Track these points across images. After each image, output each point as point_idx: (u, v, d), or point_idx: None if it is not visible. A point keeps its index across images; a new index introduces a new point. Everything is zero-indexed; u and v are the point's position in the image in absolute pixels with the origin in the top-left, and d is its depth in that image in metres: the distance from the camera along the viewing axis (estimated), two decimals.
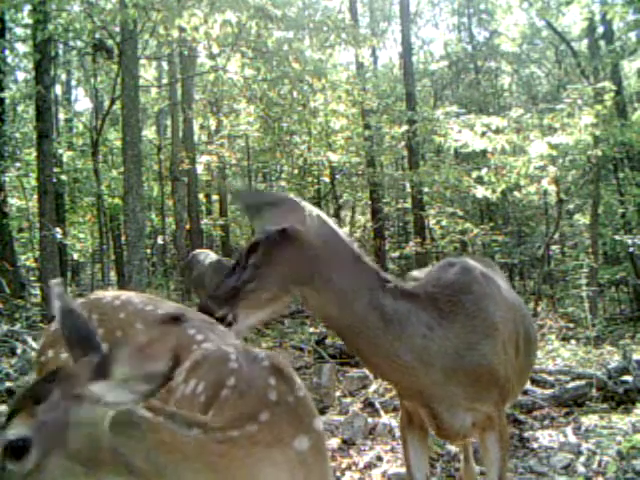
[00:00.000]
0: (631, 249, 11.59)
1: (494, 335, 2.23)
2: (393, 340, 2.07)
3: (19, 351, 6.17)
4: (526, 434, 4.46)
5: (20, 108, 15.05)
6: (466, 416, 2.23)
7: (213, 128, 16.56)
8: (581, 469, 3.77)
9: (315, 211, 2.11)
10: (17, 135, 13.15)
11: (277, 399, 1.65)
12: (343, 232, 2.20)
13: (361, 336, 2.09)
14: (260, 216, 2.09)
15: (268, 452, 1.59)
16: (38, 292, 10.66)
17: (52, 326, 2.32)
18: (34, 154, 10.64)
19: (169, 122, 15.46)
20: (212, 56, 10.58)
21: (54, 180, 10.07)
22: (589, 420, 4.71)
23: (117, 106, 11.01)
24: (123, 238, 12.26)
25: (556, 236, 14.36)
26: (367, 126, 13.45)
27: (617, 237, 12.48)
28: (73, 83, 19.69)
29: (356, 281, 2.07)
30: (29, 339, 6.49)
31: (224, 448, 1.51)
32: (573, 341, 7.83)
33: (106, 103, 13.51)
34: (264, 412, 1.61)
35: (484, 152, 10.40)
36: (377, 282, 2.10)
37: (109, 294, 2.37)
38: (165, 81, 15.94)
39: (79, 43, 12.44)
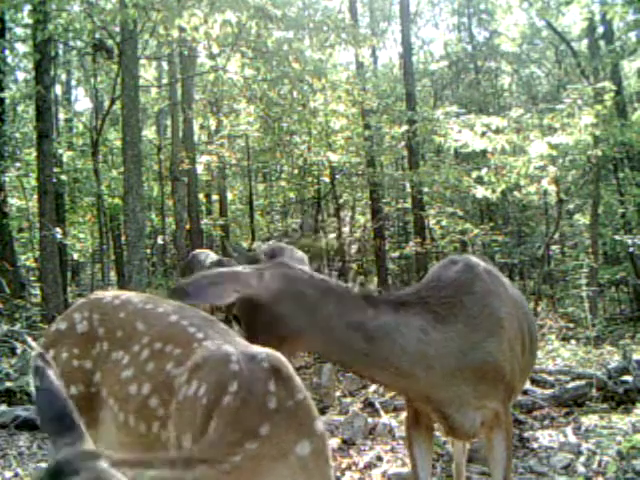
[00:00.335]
0: (631, 249, 11.59)
1: (499, 332, 2.22)
2: (386, 355, 2.05)
3: (19, 351, 6.18)
4: (526, 434, 4.45)
5: (20, 108, 15.06)
6: (476, 415, 2.23)
7: (213, 128, 16.55)
8: (581, 469, 3.77)
9: (269, 271, 2.02)
10: (17, 135, 13.15)
11: (277, 406, 1.64)
12: (304, 270, 2.11)
13: (355, 361, 2.10)
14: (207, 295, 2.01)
15: (273, 466, 1.58)
16: (38, 292, 10.66)
17: (52, 326, 2.32)
18: (34, 154, 10.64)
19: (169, 122, 15.45)
20: (212, 56, 10.58)
21: (54, 180, 10.08)
22: (589, 420, 4.71)
23: (117, 106, 11.01)
24: (123, 238, 12.26)
25: (556, 236, 14.36)
26: (367, 126, 13.44)
27: (617, 237, 12.48)
28: (73, 83, 19.68)
29: (327, 316, 2.02)
30: (29, 339, 6.49)
31: (232, 476, 1.50)
32: (573, 341, 7.82)
33: (106, 103, 13.51)
34: (264, 425, 1.60)
35: (484, 152, 10.41)
36: (352, 306, 2.05)
37: (109, 294, 2.37)
38: (165, 81, 15.93)
39: (79, 43, 12.45)
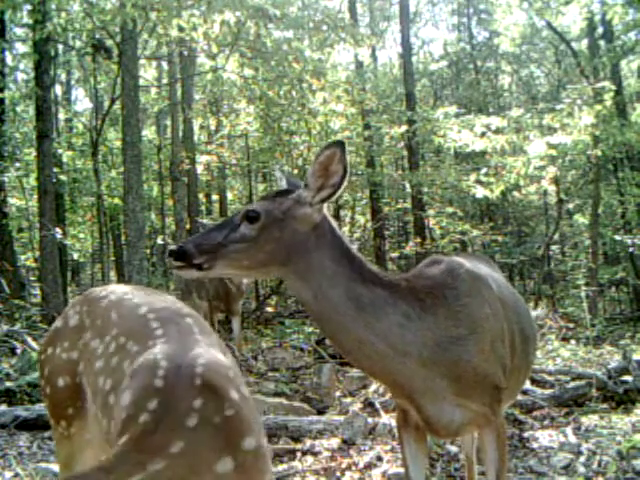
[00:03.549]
0: (631, 249, 11.61)
1: (478, 332, 2.21)
2: (365, 328, 2.08)
3: (19, 351, 6.18)
4: (526, 434, 4.45)
5: (20, 108, 15.05)
6: (454, 411, 2.21)
7: (213, 128, 16.56)
8: (581, 469, 3.77)
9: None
10: (17, 135, 13.16)
11: (197, 424, 1.59)
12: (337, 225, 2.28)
13: (332, 322, 2.11)
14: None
15: None
16: (38, 292, 10.67)
17: (52, 326, 2.34)
18: (34, 154, 10.65)
19: (169, 122, 15.46)
20: (211, 56, 10.58)
21: (54, 180, 10.08)
22: (589, 420, 4.71)
23: (117, 106, 11.01)
24: (123, 238, 12.27)
25: (556, 236, 14.37)
26: (367, 126, 13.44)
27: (617, 237, 12.50)
28: (73, 83, 19.69)
29: (337, 272, 2.09)
30: (29, 339, 6.50)
31: None
32: (573, 341, 7.83)
33: (106, 103, 13.50)
34: (176, 443, 1.55)
35: (484, 152, 10.42)
36: (358, 274, 2.12)
37: (101, 287, 2.41)
38: (165, 81, 15.93)
39: (78, 43, 12.46)
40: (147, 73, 17.06)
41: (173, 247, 2.11)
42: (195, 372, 1.70)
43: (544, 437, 4.40)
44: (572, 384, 5.35)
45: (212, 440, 1.59)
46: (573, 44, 15.44)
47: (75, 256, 16.35)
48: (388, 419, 4.60)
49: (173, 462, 1.53)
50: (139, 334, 1.95)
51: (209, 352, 1.83)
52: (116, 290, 2.30)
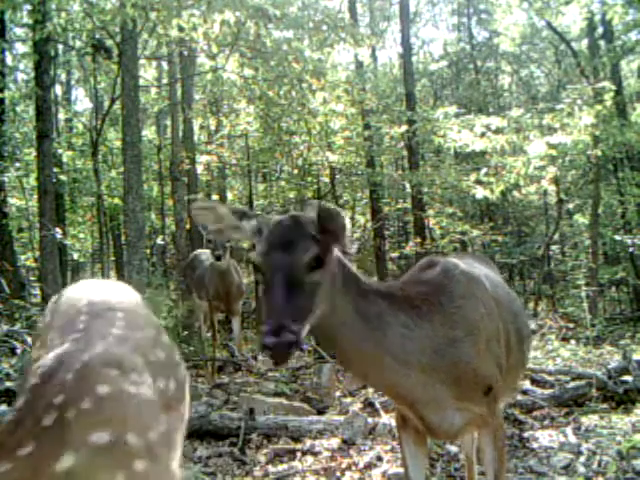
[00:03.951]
0: (631, 249, 11.62)
1: (474, 333, 2.22)
2: (375, 344, 2.07)
3: (19, 351, 6.18)
4: (526, 434, 4.46)
5: (20, 108, 15.05)
6: (455, 416, 2.22)
7: (213, 128, 16.56)
8: (581, 469, 3.77)
9: None
10: (17, 135, 13.16)
11: (52, 422, 1.47)
12: None
13: (344, 342, 2.08)
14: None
15: None
16: (38, 292, 10.67)
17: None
18: (34, 154, 10.64)
19: (169, 122, 15.45)
20: (211, 56, 10.58)
21: (54, 180, 10.08)
22: (589, 420, 4.72)
23: (117, 106, 11.01)
24: (123, 238, 12.28)
25: (556, 236, 14.37)
26: (367, 126, 13.43)
27: (617, 237, 12.50)
28: (73, 83, 19.68)
29: (346, 289, 2.08)
30: (29, 339, 6.49)
31: None
32: (573, 341, 7.84)
33: (106, 103, 13.50)
34: (28, 443, 1.44)
35: (484, 152, 10.42)
36: (361, 289, 2.12)
37: (76, 284, 2.40)
38: (165, 81, 15.93)
39: (78, 43, 12.46)
40: (147, 73, 17.06)
41: (270, 340, 1.75)
42: (72, 368, 1.60)
43: (544, 437, 4.41)
44: (572, 384, 5.36)
45: (58, 436, 1.45)
46: (573, 44, 15.44)
47: (75, 256, 16.33)
48: (388, 419, 4.61)
49: (20, 464, 1.42)
50: (65, 329, 1.90)
51: (107, 348, 1.72)
52: (78, 285, 2.28)
